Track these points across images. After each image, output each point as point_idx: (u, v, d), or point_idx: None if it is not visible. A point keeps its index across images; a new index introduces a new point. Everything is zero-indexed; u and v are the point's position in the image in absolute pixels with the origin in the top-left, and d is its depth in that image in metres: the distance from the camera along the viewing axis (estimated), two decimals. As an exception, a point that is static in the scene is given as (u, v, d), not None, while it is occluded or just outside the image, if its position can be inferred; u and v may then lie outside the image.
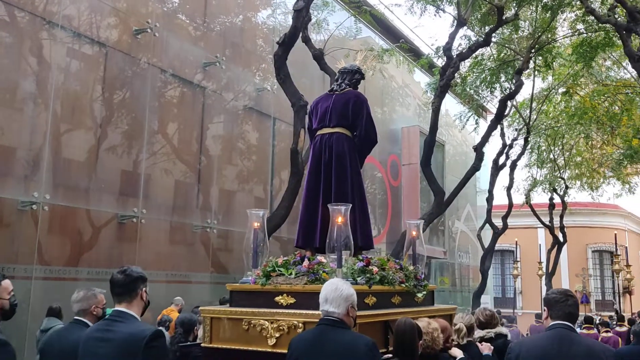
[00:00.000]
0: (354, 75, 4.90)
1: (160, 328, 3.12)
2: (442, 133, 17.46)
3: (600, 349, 3.11)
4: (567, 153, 18.41)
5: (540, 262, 20.92)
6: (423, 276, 4.52)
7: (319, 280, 3.67)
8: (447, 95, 10.96)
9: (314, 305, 3.46)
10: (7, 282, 2.99)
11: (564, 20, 13.46)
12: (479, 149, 11.81)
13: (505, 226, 15.87)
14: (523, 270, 26.54)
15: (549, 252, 19.80)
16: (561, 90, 15.42)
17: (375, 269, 3.94)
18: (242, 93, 11.80)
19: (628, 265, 21.04)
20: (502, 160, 15.57)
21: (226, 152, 11.35)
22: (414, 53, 14.54)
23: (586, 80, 15.47)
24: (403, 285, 4.15)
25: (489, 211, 15.67)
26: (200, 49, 10.79)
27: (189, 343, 5.10)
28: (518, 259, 24.28)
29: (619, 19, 8.72)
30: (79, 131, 8.68)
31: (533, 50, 12.29)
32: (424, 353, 3.42)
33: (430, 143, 9.94)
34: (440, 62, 12.33)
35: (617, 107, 14.75)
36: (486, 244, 15.90)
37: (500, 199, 17.31)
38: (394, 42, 13.64)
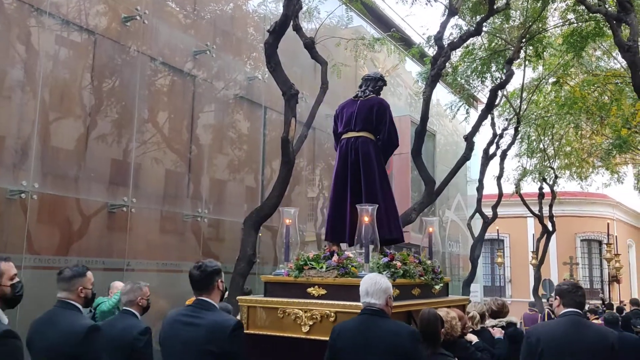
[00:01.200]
0: (377, 83, 5.39)
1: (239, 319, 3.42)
2: (433, 123, 17.46)
3: (607, 331, 3.68)
4: (557, 143, 18.48)
5: (534, 252, 21.09)
6: (439, 269, 4.87)
7: (348, 274, 4.07)
8: (438, 84, 10.95)
9: (344, 297, 3.91)
10: (7, 266, 2.71)
11: (555, 9, 13.46)
12: (469, 139, 11.84)
13: (495, 215, 15.98)
14: (512, 259, 26.75)
15: (538, 241, 19.95)
16: (551, 80, 15.46)
17: (398, 263, 4.26)
18: (233, 82, 11.73)
19: (617, 254, 21.31)
20: (492, 149, 15.62)
21: (217, 141, 11.30)
22: (405, 42, 14.49)
23: (576, 70, 15.50)
24: (422, 278, 4.50)
25: (479, 200, 15.74)
26: (191, 37, 10.69)
27: None
28: (501, 247, 24.51)
29: (610, 8, 8.72)
30: (68, 119, 8.60)
31: (524, 40, 12.29)
32: (445, 339, 3.85)
33: (421, 133, 9.93)
34: (431, 51, 12.31)
35: (606, 97, 14.80)
36: (476, 233, 16.00)
37: (490, 188, 17.43)
38: (385, 31, 13.59)
